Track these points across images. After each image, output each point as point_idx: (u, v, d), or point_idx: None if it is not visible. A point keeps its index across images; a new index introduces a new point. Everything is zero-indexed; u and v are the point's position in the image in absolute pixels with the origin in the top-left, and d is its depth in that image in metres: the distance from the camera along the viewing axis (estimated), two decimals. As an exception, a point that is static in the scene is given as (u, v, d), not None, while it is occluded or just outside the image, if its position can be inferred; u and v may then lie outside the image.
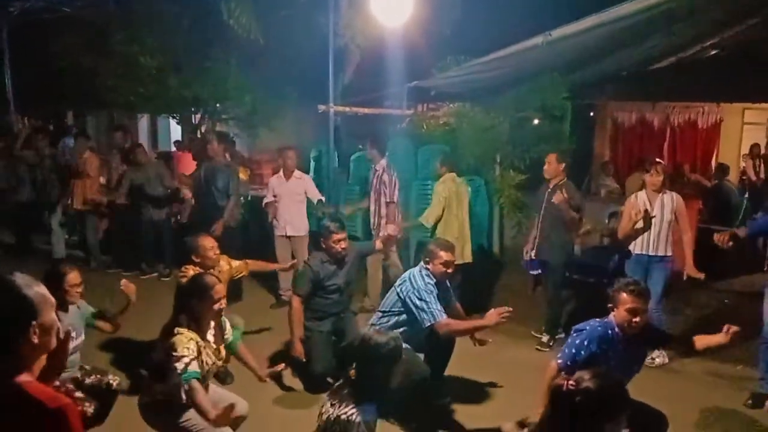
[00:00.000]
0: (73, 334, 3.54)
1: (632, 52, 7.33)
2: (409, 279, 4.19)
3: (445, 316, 4.05)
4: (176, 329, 3.23)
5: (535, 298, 6.58)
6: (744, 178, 10.15)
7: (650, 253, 5.23)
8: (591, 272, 6.42)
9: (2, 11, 9.78)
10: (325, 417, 2.87)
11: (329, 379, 4.32)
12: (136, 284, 4.11)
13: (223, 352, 3.56)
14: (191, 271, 4.37)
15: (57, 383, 1.93)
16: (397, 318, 4.17)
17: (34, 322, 1.64)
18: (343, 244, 4.73)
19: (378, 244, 5.40)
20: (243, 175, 8.26)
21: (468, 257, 6.18)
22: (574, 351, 3.24)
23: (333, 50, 7.15)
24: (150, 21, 8.72)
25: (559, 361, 3.26)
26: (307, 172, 7.57)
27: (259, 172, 9.99)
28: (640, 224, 5.05)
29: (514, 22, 8.32)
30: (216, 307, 3.37)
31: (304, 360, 4.63)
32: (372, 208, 6.46)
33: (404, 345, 3.23)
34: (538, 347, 5.65)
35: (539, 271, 5.93)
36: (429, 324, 4.00)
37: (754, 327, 4.57)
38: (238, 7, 8.13)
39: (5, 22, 9.84)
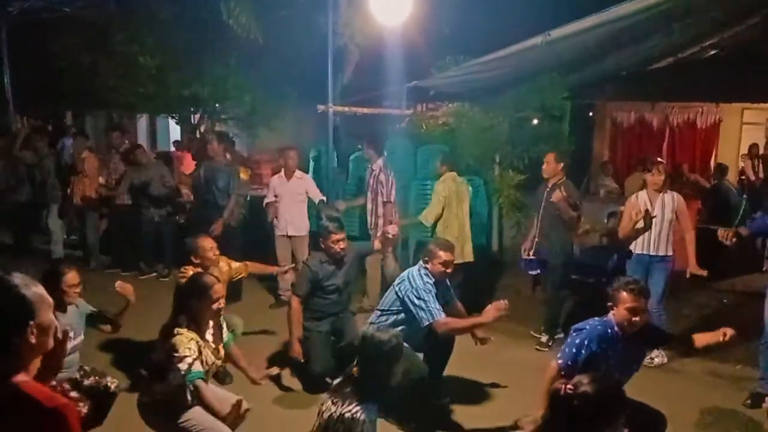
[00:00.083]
0: (72, 334, 3.53)
1: (631, 52, 7.33)
2: (408, 278, 4.20)
3: (443, 314, 4.05)
4: (176, 330, 3.24)
5: (534, 297, 6.59)
6: (743, 178, 10.15)
7: (651, 253, 5.23)
8: (590, 272, 6.42)
9: (1, 11, 9.76)
10: (326, 415, 2.87)
11: (328, 379, 4.32)
12: (134, 284, 4.11)
13: (222, 352, 3.56)
14: (191, 271, 4.36)
15: (53, 383, 1.92)
16: (395, 317, 4.17)
17: (31, 323, 1.64)
18: (342, 245, 4.74)
19: (377, 244, 5.41)
20: (244, 175, 8.26)
21: (469, 256, 6.18)
22: (574, 351, 3.23)
23: (332, 50, 7.15)
24: (149, 21, 8.72)
25: (560, 361, 3.25)
26: (306, 172, 7.57)
27: (259, 172, 9.99)
28: (640, 224, 5.06)
29: (514, 22, 8.31)
30: (215, 306, 3.37)
31: (302, 360, 4.63)
32: (369, 207, 6.46)
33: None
34: (538, 347, 5.65)
35: (538, 271, 5.94)
36: (427, 323, 4.00)
37: (754, 327, 4.57)
38: (237, 6, 8.13)
39: (4, 21, 9.83)
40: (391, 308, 4.23)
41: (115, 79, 8.79)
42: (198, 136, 9.80)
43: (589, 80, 8.16)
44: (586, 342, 3.23)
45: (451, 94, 7.85)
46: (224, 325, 3.65)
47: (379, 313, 4.31)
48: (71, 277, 3.69)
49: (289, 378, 4.82)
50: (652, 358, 5.19)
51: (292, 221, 6.59)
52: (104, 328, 4.02)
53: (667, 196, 5.28)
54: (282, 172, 6.72)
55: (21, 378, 1.63)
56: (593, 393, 2.07)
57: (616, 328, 3.28)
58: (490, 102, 7.42)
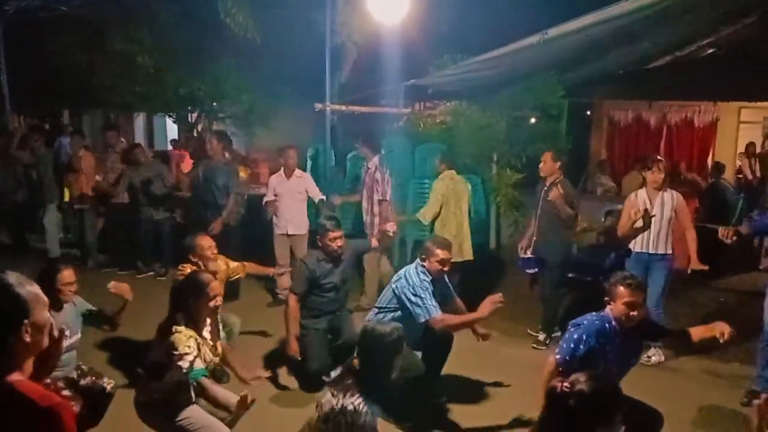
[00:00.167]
0: (68, 333, 3.52)
1: (629, 51, 7.34)
2: (405, 276, 4.21)
3: (439, 311, 4.06)
4: (174, 328, 3.23)
5: (531, 296, 6.59)
6: (740, 176, 10.18)
7: (650, 252, 5.23)
8: (587, 270, 6.42)
9: (-2, 10, 9.75)
10: (327, 408, 2.86)
11: (325, 378, 4.32)
12: (132, 283, 4.10)
13: (220, 349, 3.56)
14: (189, 269, 4.36)
15: (47, 381, 1.92)
16: (392, 314, 4.17)
17: (26, 321, 1.64)
18: (339, 242, 4.74)
19: (374, 242, 5.41)
20: (243, 174, 8.26)
21: (468, 254, 6.18)
22: (572, 345, 3.23)
23: (330, 48, 7.14)
24: (147, 20, 8.71)
25: (558, 356, 3.25)
26: (304, 171, 7.57)
27: (256, 170, 9.99)
28: (639, 223, 5.06)
29: (511, 20, 8.31)
30: (212, 304, 3.37)
31: (299, 358, 4.63)
32: (365, 205, 6.45)
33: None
34: (535, 345, 5.66)
35: (535, 269, 5.94)
36: (424, 319, 4.01)
37: (751, 325, 4.58)
38: (234, 5, 8.12)
39: (1, 20, 9.80)
40: (389, 306, 4.24)
41: (112, 78, 8.78)
42: (195, 135, 9.80)
43: (587, 79, 8.18)
44: (584, 337, 3.23)
45: (448, 92, 7.85)
46: (220, 325, 3.65)
47: (376, 310, 4.32)
48: (67, 275, 3.68)
49: (286, 376, 4.82)
50: (649, 357, 5.20)
51: (292, 220, 6.59)
52: (102, 327, 4.01)
53: (666, 195, 5.28)
54: (281, 171, 6.72)
55: (15, 377, 1.63)
56: (589, 391, 2.07)
57: (613, 323, 3.29)
58: (487, 101, 7.43)
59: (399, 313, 4.15)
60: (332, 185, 7.50)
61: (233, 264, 4.91)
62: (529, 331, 5.88)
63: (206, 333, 3.42)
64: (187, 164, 8.84)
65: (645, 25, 6.02)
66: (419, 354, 4.34)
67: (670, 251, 5.25)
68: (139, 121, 14.17)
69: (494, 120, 7.29)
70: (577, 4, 6.00)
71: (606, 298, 3.34)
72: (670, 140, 10.93)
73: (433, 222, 6.11)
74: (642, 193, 5.39)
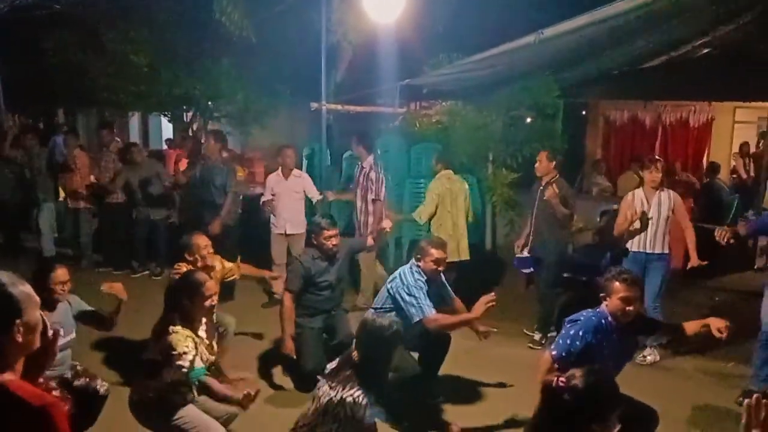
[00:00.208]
0: (62, 332, 3.50)
1: (624, 51, 7.34)
2: (400, 275, 4.22)
3: (434, 311, 4.06)
4: (170, 328, 3.21)
5: (527, 296, 6.59)
6: (734, 176, 10.21)
7: (648, 251, 5.23)
8: (583, 270, 6.43)
9: (-9, 7, 9.69)
10: (325, 400, 2.85)
11: (320, 377, 4.31)
12: (127, 283, 4.09)
13: (216, 348, 3.55)
14: (184, 268, 4.35)
15: (39, 380, 1.91)
16: (388, 315, 4.16)
17: (18, 321, 1.63)
18: (334, 241, 4.74)
19: (370, 241, 5.41)
20: (241, 174, 8.25)
21: (464, 254, 6.17)
22: (569, 342, 3.22)
23: (325, 47, 7.14)
24: (142, 19, 8.67)
25: (554, 352, 3.24)
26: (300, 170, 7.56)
27: (252, 170, 9.97)
28: (636, 225, 5.07)
29: (507, 20, 8.33)
30: (207, 304, 3.36)
31: (294, 357, 4.61)
32: (359, 205, 6.44)
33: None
34: (531, 345, 5.66)
35: (531, 269, 5.94)
36: (418, 319, 4.01)
37: (745, 325, 4.58)
38: (230, 4, 8.09)
39: (-6, 18, 9.76)
40: (384, 306, 4.23)
41: (107, 77, 8.74)
42: (191, 134, 9.76)
43: (582, 78, 8.18)
44: (581, 333, 3.23)
45: (444, 92, 7.85)
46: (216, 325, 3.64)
47: (372, 311, 4.30)
48: (60, 274, 3.65)
49: (281, 376, 4.81)
50: (644, 356, 5.21)
51: (290, 219, 6.58)
52: (98, 327, 3.99)
53: (663, 194, 5.28)
54: (279, 170, 6.71)
55: (7, 377, 1.62)
56: (584, 387, 2.06)
57: (610, 319, 3.29)
58: (483, 100, 7.43)
59: (394, 313, 4.14)
60: (328, 184, 7.49)
61: (228, 264, 4.89)
62: (525, 330, 5.89)
63: (202, 332, 3.41)
64: (182, 164, 8.82)
65: (640, 25, 6.02)
66: (416, 355, 4.34)
67: (667, 251, 5.26)
68: (134, 120, 14.12)
69: (490, 120, 7.28)
70: (573, 3, 6.00)
71: (602, 294, 3.34)
72: (666, 140, 10.95)
73: (429, 222, 6.11)
74: (639, 192, 5.39)
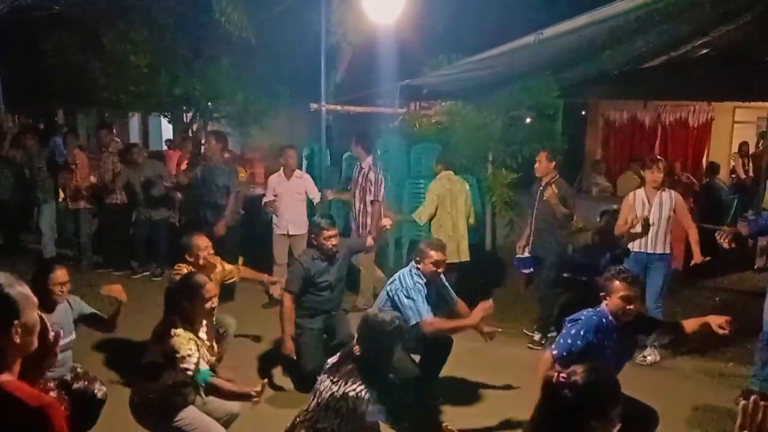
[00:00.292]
0: (62, 333, 3.50)
1: (624, 51, 7.33)
2: (399, 278, 4.23)
3: (431, 315, 4.06)
4: (172, 331, 3.20)
5: (527, 296, 6.59)
6: (733, 176, 10.21)
7: (649, 251, 5.23)
8: (583, 270, 6.43)
9: (-9, 8, 9.69)
10: (327, 394, 2.85)
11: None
12: (127, 284, 4.10)
13: (216, 349, 3.55)
14: (184, 269, 4.35)
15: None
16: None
17: (16, 322, 1.63)
18: (334, 241, 4.74)
19: (369, 241, 5.41)
20: (243, 175, 8.25)
21: (464, 255, 6.16)
22: (569, 341, 3.22)
23: (325, 48, 7.13)
24: (141, 19, 8.67)
25: (554, 352, 3.23)
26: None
27: (252, 170, 9.97)
28: (637, 229, 5.08)
29: (506, 20, 8.33)
30: (208, 306, 3.36)
31: (294, 358, 4.61)
32: (357, 206, 6.43)
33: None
34: (530, 345, 5.66)
35: (531, 269, 5.94)
36: (415, 321, 4.01)
37: (746, 325, 4.59)
38: (229, 5, 8.09)
39: (-6, 19, 9.76)
40: (383, 308, 4.22)
41: (107, 78, 8.74)
42: (190, 134, 9.77)
43: (582, 79, 8.18)
44: (582, 332, 3.22)
45: (444, 92, 7.85)
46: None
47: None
48: (60, 275, 3.63)
49: (280, 377, 4.80)
50: (644, 356, 5.21)
51: (292, 220, 6.59)
52: (99, 329, 3.99)
53: (665, 194, 5.27)
54: (281, 171, 6.72)
55: (4, 377, 1.62)
56: (582, 383, 2.06)
57: (610, 318, 3.29)
58: (483, 100, 7.42)
59: (395, 313, 4.15)
60: (328, 185, 7.50)
61: (228, 267, 4.88)
62: (524, 331, 5.89)
63: (202, 334, 3.41)
64: (184, 165, 8.82)
65: (640, 25, 6.02)
66: (418, 357, 4.34)
67: (668, 251, 5.25)
68: (134, 121, 14.12)
69: (490, 120, 7.28)
70: (573, 4, 6.00)
71: (602, 294, 3.34)
72: (665, 140, 10.96)
73: (429, 222, 6.11)
74: (640, 192, 5.38)
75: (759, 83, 7.59)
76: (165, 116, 10.75)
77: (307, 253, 4.90)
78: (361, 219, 6.41)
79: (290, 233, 6.59)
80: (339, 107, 8.02)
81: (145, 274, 7.57)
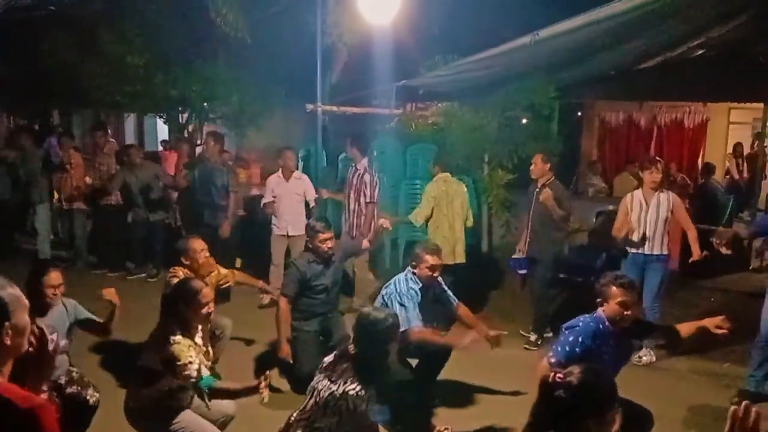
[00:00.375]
0: (55, 337, 3.48)
1: (619, 52, 7.34)
2: (394, 283, 4.25)
3: (420, 323, 4.06)
4: (171, 338, 3.19)
5: (523, 296, 6.59)
6: (728, 177, 10.24)
7: (646, 252, 5.24)
8: (579, 271, 6.44)
9: (-14, 8, 9.65)
10: (326, 393, 2.85)
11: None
12: (123, 285, 4.09)
13: (212, 353, 3.54)
14: (180, 272, 4.34)
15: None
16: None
17: (6, 323, 1.62)
18: (329, 244, 4.74)
19: (365, 243, 5.40)
20: (243, 175, 8.24)
21: (460, 257, 6.15)
22: (567, 348, 3.20)
23: (321, 49, 7.13)
24: (137, 20, 8.65)
25: (552, 359, 3.21)
26: (295, 172, 7.55)
27: (248, 171, 9.95)
28: (635, 236, 5.09)
29: (502, 21, 8.32)
30: (204, 311, 3.34)
31: (290, 361, 4.61)
32: (352, 207, 6.43)
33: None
34: (527, 346, 5.66)
35: (526, 270, 5.94)
36: (403, 329, 3.99)
37: (741, 325, 4.59)
38: (225, 5, 8.07)
39: (-10, 18, 9.72)
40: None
41: (103, 78, 8.71)
42: (186, 135, 9.74)
43: (578, 80, 8.17)
44: (580, 339, 3.21)
45: (440, 93, 7.85)
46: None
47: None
48: (53, 277, 3.57)
49: (277, 379, 4.79)
50: (640, 357, 5.22)
51: (292, 221, 6.58)
52: (95, 333, 3.98)
53: (663, 195, 5.28)
54: (280, 172, 6.71)
55: None
56: (578, 384, 2.06)
57: (607, 323, 3.28)
58: (479, 101, 7.43)
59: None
60: (324, 186, 7.49)
61: (223, 271, 4.87)
62: (521, 331, 5.89)
63: (198, 339, 3.40)
64: (175, 165, 8.81)
65: (635, 26, 6.03)
66: (415, 361, 4.33)
67: (666, 252, 5.26)
68: (130, 122, 14.07)
69: (486, 121, 7.28)
70: (569, 5, 6.00)
71: (598, 300, 3.33)
72: (661, 141, 11.00)
73: (425, 224, 6.11)
74: (638, 193, 5.39)
75: (754, 84, 7.61)
76: (161, 117, 10.72)
77: (303, 256, 4.90)
78: (354, 220, 6.40)
79: (289, 234, 6.58)
80: (335, 108, 8.01)
81: (141, 275, 7.55)
